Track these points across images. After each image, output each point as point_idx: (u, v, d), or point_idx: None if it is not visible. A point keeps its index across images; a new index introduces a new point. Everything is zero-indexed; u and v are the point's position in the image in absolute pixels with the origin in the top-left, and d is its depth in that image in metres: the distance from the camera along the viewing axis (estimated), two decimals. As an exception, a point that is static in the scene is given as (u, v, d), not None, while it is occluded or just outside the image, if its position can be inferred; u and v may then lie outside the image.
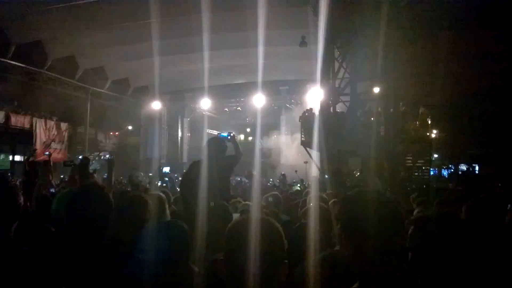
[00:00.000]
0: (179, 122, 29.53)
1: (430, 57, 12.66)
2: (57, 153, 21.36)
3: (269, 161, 24.13)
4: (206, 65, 16.85)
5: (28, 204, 4.56)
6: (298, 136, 18.63)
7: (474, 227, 1.97)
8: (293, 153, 23.59)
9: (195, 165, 3.99)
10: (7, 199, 2.30)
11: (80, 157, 7.06)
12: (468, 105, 13.53)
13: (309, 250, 2.26)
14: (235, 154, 4.29)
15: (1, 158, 21.24)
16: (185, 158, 28.84)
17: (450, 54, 12.27)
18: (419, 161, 13.84)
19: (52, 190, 6.20)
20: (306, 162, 17.52)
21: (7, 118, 19.54)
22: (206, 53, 16.24)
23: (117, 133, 26.47)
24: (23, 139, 20.52)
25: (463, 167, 17.58)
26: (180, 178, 16.77)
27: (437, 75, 12.19)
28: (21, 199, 2.28)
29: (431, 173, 15.59)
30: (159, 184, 8.73)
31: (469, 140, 14.31)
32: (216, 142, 4.20)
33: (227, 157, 4.20)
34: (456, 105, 13.51)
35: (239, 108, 28.41)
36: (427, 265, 1.43)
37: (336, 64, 14.02)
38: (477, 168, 17.10)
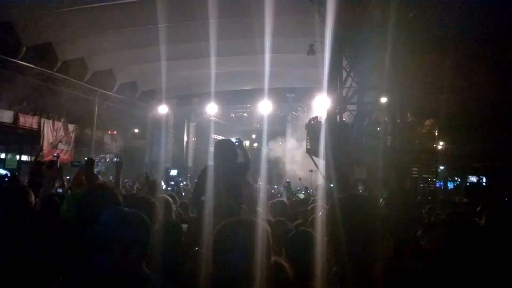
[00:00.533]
0: (185, 127, 29.62)
1: (438, 68, 12.64)
2: (64, 154, 21.50)
3: (274, 168, 24.08)
4: (213, 70, 16.94)
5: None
6: (304, 144, 18.64)
7: (494, 235, 1.98)
8: (298, 161, 23.56)
9: (206, 170, 3.95)
10: (19, 197, 2.34)
11: (86, 158, 7.08)
12: (476, 117, 13.46)
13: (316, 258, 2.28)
14: (245, 161, 4.21)
15: (9, 157, 21.37)
16: (190, 163, 28.89)
17: (458, 65, 12.25)
18: (425, 173, 13.78)
19: (59, 190, 6.24)
20: (311, 171, 17.50)
21: (16, 118, 19.72)
22: (213, 59, 16.34)
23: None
24: (30, 139, 20.68)
25: (472, 179, 17.38)
26: (185, 183, 16.76)
27: (445, 85, 12.16)
28: (32, 198, 2.32)
29: (437, 185, 15.49)
30: (164, 187, 8.74)
31: (476, 152, 14.21)
32: (226, 145, 4.12)
33: (237, 163, 4.11)
34: (464, 116, 13.44)
35: (245, 114, 28.43)
36: (446, 268, 1.43)
37: (344, 73, 14.04)
38: (484, 180, 16.90)
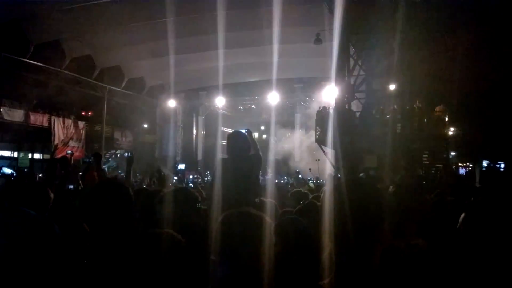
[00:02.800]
0: (194, 120, 29.70)
1: (448, 54, 12.49)
2: (75, 150, 21.72)
3: (284, 159, 24.07)
4: (221, 63, 16.93)
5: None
6: (312, 134, 18.59)
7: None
8: (308, 151, 23.53)
9: (221, 163, 3.89)
10: (39, 192, 2.39)
11: (93, 153, 7.17)
12: (486, 103, 13.30)
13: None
14: (256, 152, 4.10)
15: (21, 156, 21.69)
16: (200, 156, 29.01)
17: (468, 51, 12.08)
18: (436, 159, 13.67)
19: (70, 186, 6.32)
20: (318, 160, 17.45)
21: (27, 116, 19.94)
22: (221, 51, 16.32)
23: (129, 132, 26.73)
24: (42, 137, 20.92)
25: (485, 163, 17.02)
26: (193, 176, 16.85)
27: (455, 71, 12.01)
28: (51, 194, 2.37)
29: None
30: (174, 180, 8.81)
31: (487, 138, 14.05)
32: (238, 137, 4.04)
33: (251, 155, 4.02)
34: (474, 102, 13.28)
35: (253, 106, 28.41)
36: (478, 248, 1.43)
37: (351, 61, 13.93)
38: (502, 165, 16.43)
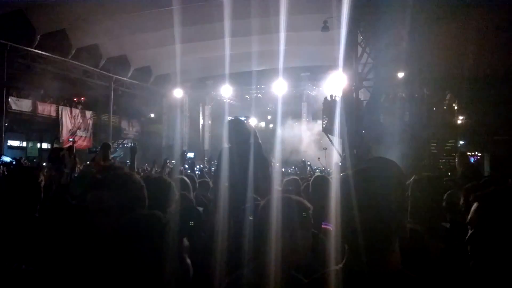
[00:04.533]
0: (201, 110, 29.68)
1: (458, 40, 12.25)
2: (83, 140, 21.87)
3: (290, 149, 24.00)
4: (227, 52, 16.80)
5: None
6: (319, 123, 18.49)
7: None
8: (315, 140, 23.44)
9: (224, 152, 3.80)
10: (27, 179, 2.37)
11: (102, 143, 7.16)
12: (497, 89, 13.05)
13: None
14: (255, 140, 3.91)
15: (30, 146, 21.85)
16: (206, 146, 29.04)
17: (479, 35, 11.83)
18: (447, 145, 13.51)
19: (75, 175, 6.34)
20: (325, 149, 17.37)
21: (34, 106, 20.05)
22: (227, 40, 16.18)
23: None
24: (50, 127, 21.06)
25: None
26: (200, 165, 16.84)
27: (465, 57, 11.80)
28: (41, 178, 2.33)
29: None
30: (182, 168, 8.78)
31: (497, 125, 13.83)
32: (238, 124, 3.94)
33: (250, 143, 3.86)
34: (484, 89, 13.05)
35: (260, 95, 28.30)
36: (489, 242, 1.36)
37: (359, 49, 13.75)
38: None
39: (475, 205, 1.43)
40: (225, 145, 3.94)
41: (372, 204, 1.16)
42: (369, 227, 1.16)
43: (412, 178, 2.69)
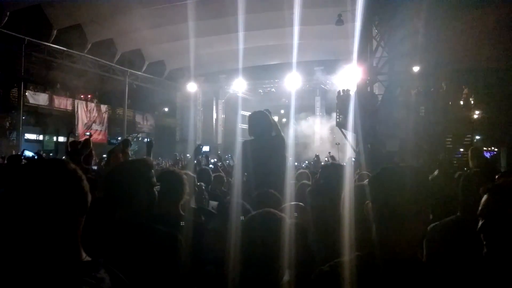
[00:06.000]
0: (214, 104, 29.75)
1: (474, 32, 12.04)
2: (98, 134, 22.13)
3: (304, 143, 23.93)
4: (241, 46, 16.79)
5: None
6: (333, 117, 18.39)
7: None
8: (328, 135, 23.33)
9: (245, 146, 3.74)
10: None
11: (122, 139, 7.25)
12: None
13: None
14: (277, 133, 3.89)
15: (46, 139, 22.19)
16: (220, 140, 29.13)
17: (496, 28, 11.60)
18: (465, 140, 13.31)
19: (95, 167, 6.45)
20: (338, 144, 17.27)
21: (51, 100, 20.35)
22: (241, 34, 16.17)
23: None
24: (66, 121, 21.35)
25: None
26: (215, 160, 16.90)
27: (482, 50, 11.59)
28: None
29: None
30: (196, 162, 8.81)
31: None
32: (260, 117, 3.83)
33: (274, 136, 3.85)
34: (501, 82, 12.81)
35: (273, 89, 28.21)
36: (499, 233, 1.39)
37: (374, 43, 13.62)
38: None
39: (484, 197, 1.47)
40: (244, 139, 3.90)
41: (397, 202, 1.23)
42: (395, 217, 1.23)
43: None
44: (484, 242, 1.42)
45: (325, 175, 2.84)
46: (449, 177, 2.58)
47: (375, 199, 1.30)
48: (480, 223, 1.45)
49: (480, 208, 1.46)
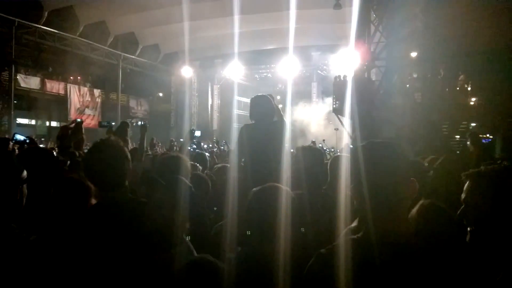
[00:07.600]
0: (209, 89, 29.47)
1: (473, 18, 11.86)
2: (91, 119, 21.89)
3: (300, 129, 23.82)
4: (237, 29, 16.51)
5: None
6: (329, 103, 18.25)
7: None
8: (324, 121, 23.24)
9: (245, 129, 3.71)
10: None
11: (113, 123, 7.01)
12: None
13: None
14: (279, 119, 3.83)
15: (39, 124, 21.95)
16: (215, 125, 28.96)
17: (494, 15, 11.44)
18: (461, 127, 13.26)
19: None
20: (336, 129, 17.19)
21: (43, 84, 20.03)
22: (236, 17, 15.89)
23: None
24: (58, 105, 21.08)
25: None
26: (208, 145, 16.79)
27: (480, 35, 11.43)
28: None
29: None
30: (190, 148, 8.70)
31: (510, 107, 13.53)
32: (263, 101, 3.78)
33: (275, 121, 3.79)
34: (498, 67, 12.69)
35: (269, 75, 27.95)
36: (481, 219, 1.44)
37: (372, 28, 13.42)
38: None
39: (467, 183, 1.51)
40: (238, 123, 3.84)
41: (380, 170, 1.27)
42: (377, 192, 1.25)
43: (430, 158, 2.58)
44: (468, 229, 1.48)
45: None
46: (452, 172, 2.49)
47: (353, 173, 1.33)
48: (461, 208, 1.50)
49: (463, 194, 1.51)
